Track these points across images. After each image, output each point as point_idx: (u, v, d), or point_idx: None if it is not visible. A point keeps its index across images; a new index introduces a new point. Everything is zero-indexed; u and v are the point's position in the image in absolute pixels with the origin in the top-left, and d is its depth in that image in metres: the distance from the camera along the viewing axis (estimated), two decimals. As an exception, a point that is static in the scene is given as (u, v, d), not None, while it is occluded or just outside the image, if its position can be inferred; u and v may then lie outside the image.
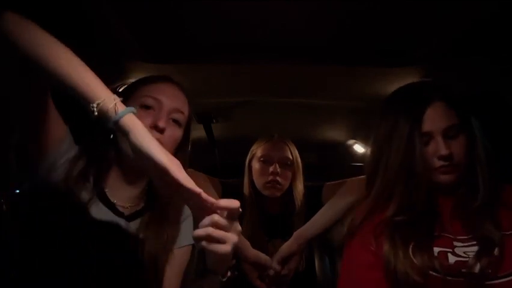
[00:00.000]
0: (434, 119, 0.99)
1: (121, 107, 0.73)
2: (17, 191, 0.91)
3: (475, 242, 0.92)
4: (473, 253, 0.89)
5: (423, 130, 0.98)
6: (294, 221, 1.56)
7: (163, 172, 0.67)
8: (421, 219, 0.97)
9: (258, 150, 1.63)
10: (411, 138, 0.98)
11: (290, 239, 1.44)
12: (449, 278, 0.88)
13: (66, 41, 1.14)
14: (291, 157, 1.60)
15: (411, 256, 0.91)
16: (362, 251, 1.00)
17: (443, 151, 0.97)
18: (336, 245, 1.77)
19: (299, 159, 1.63)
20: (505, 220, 0.94)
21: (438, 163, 0.98)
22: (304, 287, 1.57)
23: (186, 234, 1.03)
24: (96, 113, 0.72)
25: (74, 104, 0.77)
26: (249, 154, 1.68)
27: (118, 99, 0.74)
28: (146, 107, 0.96)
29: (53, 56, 0.75)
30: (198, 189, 0.68)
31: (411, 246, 0.92)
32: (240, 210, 0.73)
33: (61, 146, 0.90)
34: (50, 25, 1.06)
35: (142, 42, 1.23)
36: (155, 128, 0.93)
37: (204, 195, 0.70)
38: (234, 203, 0.72)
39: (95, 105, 0.72)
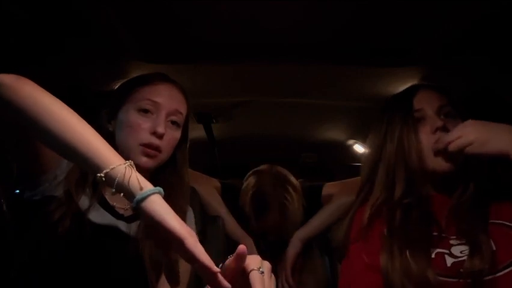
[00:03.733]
0: (426, 99, 1.02)
1: (147, 186, 0.65)
2: (17, 191, 0.91)
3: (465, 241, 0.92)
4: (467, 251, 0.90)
5: (416, 108, 1.01)
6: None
7: (178, 243, 0.60)
8: (417, 223, 0.96)
9: (254, 183, 1.55)
10: (406, 121, 1.00)
11: (291, 243, 1.43)
12: (447, 280, 0.88)
13: (66, 41, 1.15)
14: (288, 201, 1.50)
15: (409, 261, 0.90)
16: (361, 253, 0.99)
17: (438, 123, 0.97)
18: (336, 245, 1.77)
19: (293, 199, 1.52)
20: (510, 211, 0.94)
21: (434, 138, 0.97)
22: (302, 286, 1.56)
23: None
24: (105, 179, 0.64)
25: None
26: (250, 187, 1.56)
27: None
28: (145, 111, 0.94)
29: (62, 126, 0.67)
30: (215, 268, 0.60)
31: (407, 252, 0.91)
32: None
33: (62, 163, 0.88)
34: (52, 26, 1.07)
35: (142, 42, 1.23)
36: (154, 134, 0.92)
37: (220, 277, 0.60)
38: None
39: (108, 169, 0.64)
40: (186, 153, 1.06)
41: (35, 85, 0.71)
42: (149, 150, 0.92)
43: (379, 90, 1.56)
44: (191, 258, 0.60)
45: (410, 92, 1.07)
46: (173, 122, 0.97)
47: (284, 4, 1.04)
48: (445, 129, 0.97)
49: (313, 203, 1.56)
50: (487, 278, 0.86)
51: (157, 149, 0.93)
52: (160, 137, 0.93)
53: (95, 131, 0.70)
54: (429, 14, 1.05)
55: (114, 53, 1.27)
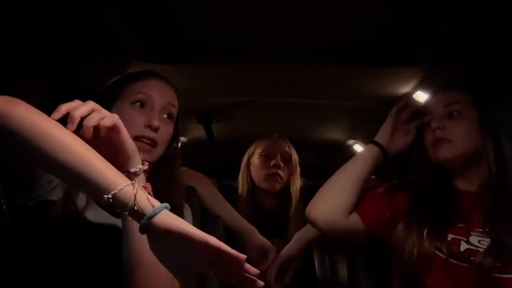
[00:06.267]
0: (435, 100, 1.08)
1: (157, 203, 0.64)
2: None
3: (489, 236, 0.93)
4: (487, 242, 0.91)
5: (426, 111, 1.08)
6: (291, 219, 1.56)
7: (203, 246, 0.59)
8: (440, 209, 0.99)
9: (258, 146, 1.67)
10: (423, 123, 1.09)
11: (290, 242, 1.43)
12: (455, 262, 0.90)
13: (66, 41, 1.15)
14: (291, 153, 1.65)
15: (423, 237, 0.94)
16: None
17: (434, 124, 1.03)
18: (336, 245, 1.77)
19: (297, 157, 1.67)
20: None
21: (432, 133, 1.04)
22: (302, 286, 1.57)
23: None
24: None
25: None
26: (248, 152, 1.69)
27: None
28: (139, 104, 0.95)
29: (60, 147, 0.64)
30: (242, 255, 0.60)
31: (425, 230, 0.95)
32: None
33: None
34: (52, 26, 1.07)
35: (142, 43, 1.23)
36: (149, 127, 0.92)
37: (248, 264, 0.61)
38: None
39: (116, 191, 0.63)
40: (179, 150, 1.05)
41: (27, 105, 0.68)
42: (144, 145, 0.92)
43: (379, 90, 1.56)
44: (218, 254, 0.59)
45: (430, 96, 1.14)
46: (167, 116, 0.98)
47: (284, 4, 1.04)
48: (442, 127, 1.02)
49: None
50: (497, 275, 0.87)
51: (152, 142, 0.93)
52: (155, 130, 0.93)
53: (94, 150, 0.67)
54: (429, 14, 1.05)
55: (114, 53, 1.27)
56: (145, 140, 0.92)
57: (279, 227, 1.58)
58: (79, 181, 0.65)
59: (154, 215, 0.62)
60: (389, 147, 1.10)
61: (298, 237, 1.43)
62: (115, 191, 0.62)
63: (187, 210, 1.07)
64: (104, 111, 0.71)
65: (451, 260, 0.91)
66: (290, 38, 1.23)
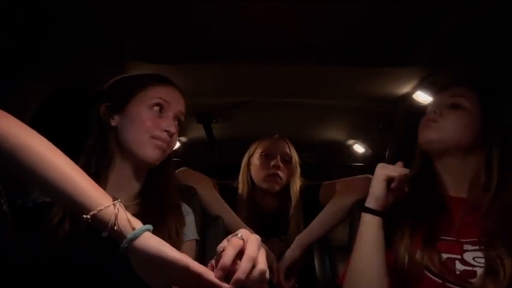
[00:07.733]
0: (436, 97, 1.08)
1: (138, 225, 0.63)
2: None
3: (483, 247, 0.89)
4: (482, 259, 0.87)
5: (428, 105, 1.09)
6: (291, 219, 1.56)
7: (183, 270, 0.59)
8: (432, 218, 0.96)
9: (259, 147, 1.67)
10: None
11: (292, 246, 1.43)
12: (452, 287, 0.86)
13: (66, 41, 1.15)
14: (291, 154, 1.64)
15: (415, 253, 0.91)
16: None
17: (431, 107, 1.03)
18: (336, 245, 1.77)
19: (297, 158, 1.67)
20: None
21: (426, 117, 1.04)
22: (303, 286, 1.57)
23: (189, 228, 1.04)
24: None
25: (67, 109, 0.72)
26: (248, 152, 1.69)
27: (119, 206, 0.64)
28: (157, 109, 0.98)
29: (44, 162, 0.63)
30: (224, 285, 0.60)
31: (418, 243, 0.92)
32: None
33: None
34: (52, 26, 1.07)
35: (142, 43, 1.23)
36: (166, 132, 0.96)
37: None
38: None
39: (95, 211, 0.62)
40: (172, 152, 1.08)
41: (14, 119, 0.66)
42: (161, 143, 0.96)
43: (379, 90, 1.56)
44: (199, 279, 0.59)
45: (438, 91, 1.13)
46: (178, 124, 1.02)
47: (284, 4, 1.04)
48: (436, 118, 1.02)
49: (312, 201, 1.57)
50: None
51: (167, 144, 0.98)
52: (172, 135, 0.98)
53: (77, 166, 0.66)
54: (429, 14, 1.05)
55: (114, 53, 1.27)
56: (161, 140, 0.96)
57: (279, 227, 1.58)
58: (61, 199, 0.64)
59: (135, 237, 0.61)
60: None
61: (300, 241, 1.43)
62: (95, 212, 0.62)
63: (190, 215, 1.07)
64: (263, 263, 0.63)
65: (447, 284, 0.87)
66: (290, 38, 1.23)
